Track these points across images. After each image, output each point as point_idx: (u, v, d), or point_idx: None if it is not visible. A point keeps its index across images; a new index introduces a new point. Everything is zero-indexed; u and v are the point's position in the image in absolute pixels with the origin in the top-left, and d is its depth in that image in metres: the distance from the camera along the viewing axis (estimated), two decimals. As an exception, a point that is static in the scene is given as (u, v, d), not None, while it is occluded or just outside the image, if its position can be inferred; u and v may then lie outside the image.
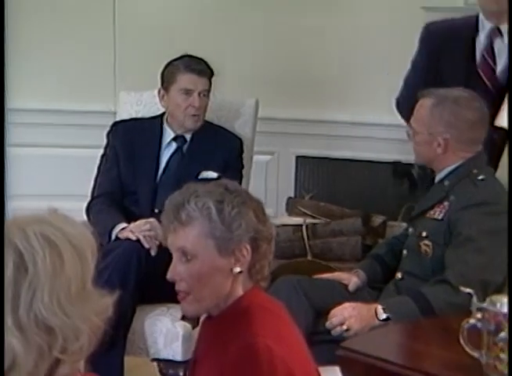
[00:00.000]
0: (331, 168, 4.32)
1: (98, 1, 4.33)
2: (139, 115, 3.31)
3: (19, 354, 1.25)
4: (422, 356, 2.11)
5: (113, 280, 2.60)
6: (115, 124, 3.26)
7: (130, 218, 2.96)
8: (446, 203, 2.60)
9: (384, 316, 2.47)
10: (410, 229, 2.71)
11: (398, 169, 3.99)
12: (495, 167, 2.72)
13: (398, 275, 2.67)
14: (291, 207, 4.06)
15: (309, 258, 3.77)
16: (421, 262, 2.61)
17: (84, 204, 3.10)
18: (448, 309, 2.38)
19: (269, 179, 4.29)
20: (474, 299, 1.96)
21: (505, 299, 1.94)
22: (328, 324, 2.50)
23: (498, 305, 1.91)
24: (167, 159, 3.14)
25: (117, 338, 2.66)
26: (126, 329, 2.75)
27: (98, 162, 3.22)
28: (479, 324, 1.93)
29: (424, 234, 2.61)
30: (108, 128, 3.23)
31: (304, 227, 3.82)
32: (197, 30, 4.20)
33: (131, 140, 3.16)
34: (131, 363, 2.86)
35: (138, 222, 2.90)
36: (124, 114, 3.36)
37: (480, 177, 2.59)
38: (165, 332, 2.80)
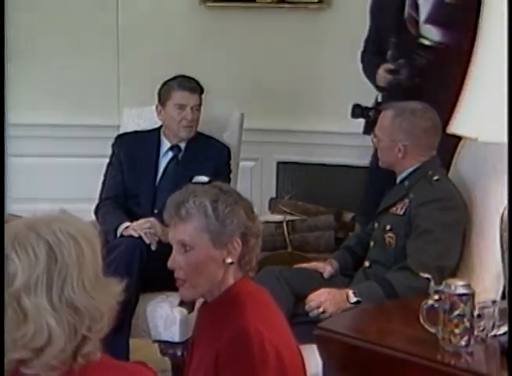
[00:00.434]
0: (308, 172, 4.31)
1: (101, 22, 4.31)
2: (140, 128, 3.30)
3: (55, 331, 1.26)
4: (387, 332, 2.11)
5: (118, 272, 2.58)
6: (119, 136, 3.25)
7: (133, 218, 2.96)
8: (406, 200, 2.60)
9: (354, 299, 2.47)
10: (376, 224, 2.71)
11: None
12: (448, 168, 2.74)
13: (366, 263, 2.67)
14: (273, 206, 4.06)
15: (289, 250, 3.77)
16: (386, 252, 2.61)
17: (90, 206, 3.09)
18: (410, 292, 2.38)
19: (254, 182, 4.28)
20: (432, 283, 1.98)
21: (458, 282, 1.95)
22: (307, 307, 2.51)
23: (452, 287, 1.92)
24: (165, 166, 3.14)
25: (122, 323, 2.66)
26: (130, 314, 2.75)
27: (104, 170, 3.21)
28: (436, 304, 1.94)
29: (388, 228, 2.62)
30: (113, 140, 3.22)
31: (284, 223, 3.82)
32: (190, 53, 4.20)
33: (133, 150, 3.15)
34: (135, 344, 2.85)
35: (139, 221, 2.90)
36: (126, 127, 3.34)
37: (435, 177, 2.60)
38: (165, 317, 2.79)
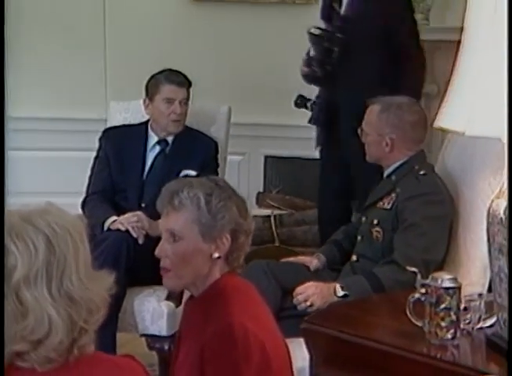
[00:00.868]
0: (295, 167, 4.32)
1: (89, 15, 4.30)
2: (127, 122, 3.29)
3: (55, 323, 1.27)
4: (374, 326, 2.12)
5: (106, 265, 2.56)
6: (106, 130, 3.23)
7: (120, 212, 2.95)
8: (393, 194, 2.61)
9: (341, 293, 2.48)
10: (363, 218, 2.72)
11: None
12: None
13: (354, 257, 2.68)
14: (261, 200, 4.08)
15: (277, 244, 3.79)
16: (373, 246, 2.62)
17: (77, 200, 3.08)
18: (396, 285, 2.39)
19: (241, 177, 4.28)
20: (418, 277, 1.98)
21: (445, 276, 1.96)
22: (294, 301, 2.51)
23: (439, 281, 1.93)
24: (152, 160, 3.13)
25: (109, 317, 2.63)
26: (118, 308, 2.74)
27: (91, 164, 3.20)
28: (423, 298, 1.94)
29: (375, 222, 2.62)
30: (100, 134, 3.21)
31: (272, 218, 3.84)
32: (178, 47, 4.20)
33: (120, 144, 3.14)
34: (122, 338, 2.85)
35: (126, 215, 2.89)
36: (113, 121, 3.33)
37: (421, 172, 2.61)
38: (152, 311, 2.79)
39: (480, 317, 1.96)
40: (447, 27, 3.76)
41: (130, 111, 3.33)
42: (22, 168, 4.27)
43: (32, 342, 1.27)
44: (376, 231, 2.62)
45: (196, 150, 3.10)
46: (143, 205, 2.98)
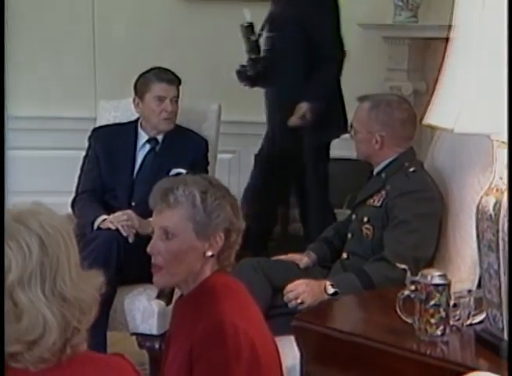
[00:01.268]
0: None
1: (77, 13, 4.29)
2: (117, 120, 3.28)
3: (50, 323, 1.27)
4: (364, 323, 2.14)
5: (96, 264, 2.56)
6: (95, 129, 3.23)
7: (110, 211, 2.94)
8: (383, 192, 2.61)
9: (332, 290, 2.48)
10: (353, 216, 2.72)
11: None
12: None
13: (344, 255, 2.68)
14: (251, 198, 4.06)
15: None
16: (363, 244, 2.62)
17: (66, 199, 3.07)
18: (386, 282, 2.39)
19: (231, 175, 4.28)
20: (408, 274, 1.99)
21: (434, 272, 1.97)
22: (285, 298, 2.51)
23: (428, 277, 1.94)
24: (142, 159, 3.12)
25: (100, 316, 2.63)
26: (108, 307, 2.74)
27: (81, 163, 3.19)
28: (412, 295, 1.95)
29: (365, 219, 2.63)
30: (89, 133, 3.21)
31: (262, 216, 3.82)
32: (167, 45, 4.20)
33: (109, 143, 3.13)
34: (113, 337, 2.84)
35: (116, 214, 2.88)
36: (103, 120, 3.32)
37: (411, 169, 2.62)
38: (142, 309, 2.78)
39: (469, 313, 1.97)
40: (435, 25, 3.77)
41: (120, 110, 3.32)
42: (9, 167, 4.25)
43: (27, 343, 1.27)
44: (366, 228, 2.62)
45: (186, 149, 3.09)
46: (133, 204, 2.97)
